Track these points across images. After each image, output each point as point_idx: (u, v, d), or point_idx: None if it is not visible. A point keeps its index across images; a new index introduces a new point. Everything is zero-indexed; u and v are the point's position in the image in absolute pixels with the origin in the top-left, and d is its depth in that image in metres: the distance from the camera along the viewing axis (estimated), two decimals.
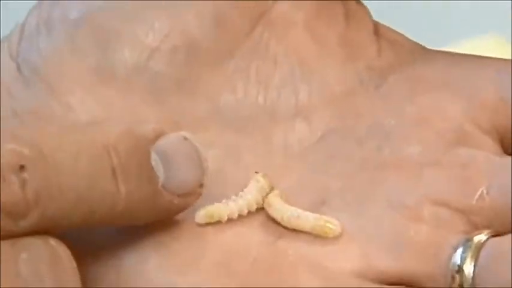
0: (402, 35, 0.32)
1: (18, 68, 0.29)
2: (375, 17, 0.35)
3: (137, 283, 0.27)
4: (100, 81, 0.28)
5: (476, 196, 0.28)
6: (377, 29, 0.31)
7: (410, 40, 0.32)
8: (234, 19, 0.30)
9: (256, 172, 0.26)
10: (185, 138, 0.27)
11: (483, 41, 0.84)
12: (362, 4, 0.32)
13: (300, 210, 0.26)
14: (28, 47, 0.29)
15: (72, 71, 0.28)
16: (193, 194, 0.26)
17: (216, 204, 0.25)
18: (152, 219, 0.27)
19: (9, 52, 0.29)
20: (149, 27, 0.28)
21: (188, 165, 0.26)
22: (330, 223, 0.25)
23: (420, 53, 0.31)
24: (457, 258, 0.27)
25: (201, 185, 0.26)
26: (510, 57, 0.66)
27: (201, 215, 0.25)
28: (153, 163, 0.26)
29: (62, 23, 0.28)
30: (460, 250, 0.27)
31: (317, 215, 0.26)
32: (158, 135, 0.26)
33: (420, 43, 0.54)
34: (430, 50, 0.32)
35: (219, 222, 0.26)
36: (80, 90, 0.28)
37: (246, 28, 0.29)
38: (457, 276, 0.27)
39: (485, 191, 0.28)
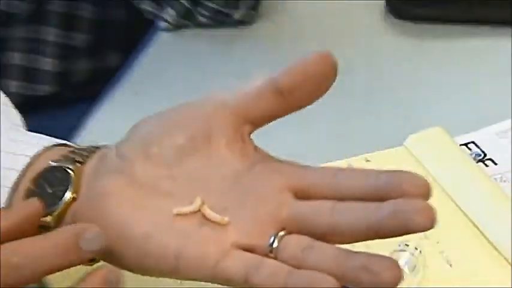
0: (268, 154, 0.62)
1: (117, 154, 0.61)
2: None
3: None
4: (145, 159, 0.60)
5: (284, 215, 0.57)
6: (255, 147, 0.62)
7: (270, 154, 0.62)
8: (200, 141, 0.60)
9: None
10: None
11: (428, 133, 0.89)
12: (250, 138, 0.62)
13: (212, 213, 0.56)
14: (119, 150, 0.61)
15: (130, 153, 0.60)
16: None
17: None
18: None
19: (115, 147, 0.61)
20: (165, 142, 0.60)
21: None
22: (223, 219, 0.55)
23: (272, 158, 0.62)
24: (271, 241, 0.56)
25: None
26: (457, 158, 0.78)
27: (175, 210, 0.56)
28: None
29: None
30: (272, 237, 0.56)
31: (218, 215, 0.56)
32: None
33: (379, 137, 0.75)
34: (276, 158, 0.62)
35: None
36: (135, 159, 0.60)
37: (205, 143, 0.60)
38: (271, 249, 0.56)
39: (288, 215, 0.57)
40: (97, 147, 0.68)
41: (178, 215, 0.58)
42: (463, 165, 0.83)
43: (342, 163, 0.83)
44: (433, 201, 0.64)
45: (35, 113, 1.04)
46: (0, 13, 1.14)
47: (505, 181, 0.82)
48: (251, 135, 0.63)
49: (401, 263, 0.71)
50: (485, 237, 0.76)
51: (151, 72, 1.02)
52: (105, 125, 0.95)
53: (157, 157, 0.62)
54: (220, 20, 1.05)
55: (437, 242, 0.76)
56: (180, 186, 0.61)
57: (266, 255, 0.58)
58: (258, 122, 0.63)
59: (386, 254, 0.65)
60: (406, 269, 0.73)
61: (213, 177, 0.62)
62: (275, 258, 0.58)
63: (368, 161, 0.85)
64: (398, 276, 0.55)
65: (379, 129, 0.93)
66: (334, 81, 0.62)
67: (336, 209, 0.58)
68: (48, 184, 0.64)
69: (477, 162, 0.85)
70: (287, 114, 0.63)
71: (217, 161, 0.62)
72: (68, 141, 0.74)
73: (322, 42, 1.04)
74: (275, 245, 0.58)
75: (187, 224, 0.59)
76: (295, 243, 0.58)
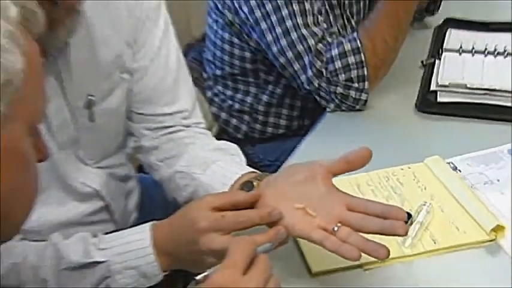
0: (336, 186, 1.07)
1: (274, 178, 1.16)
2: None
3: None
4: (285, 183, 1.12)
5: (341, 217, 1.07)
6: (332, 183, 1.08)
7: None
8: (309, 179, 1.12)
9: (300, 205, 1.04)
10: None
11: (434, 158, 1.37)
12: (331, 179, 1.09)
13: (310, 210, 1.07)
14: None
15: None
16: None
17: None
18: None
19: None
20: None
21: None
22: (313, 213, 1.07)
23: (338, 189, 1.08)
24: (333, 227, 1.05)
25: None
26: (446, 169, 1.34)
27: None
28: None
29: None
30: (335, 226, 1.06)
31: (312, 212, 1.07)
32: None
33: (397, 159, 1.40)
34: (340, 190, 1.07)
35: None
36: None
37: (311, 180, 1.10)
38: (334, 231, 1.05)
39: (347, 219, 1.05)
40: (267, 175, 1.11)
41: (296, 208, 1.04)
42: (452, 175, 1.32)
43: (388, 170, 1.36)
44: (438, 192, 1.26)
45: (285, 140, 1.85)
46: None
47: (464, 179, 1.31)
48: (332, 178, 1.07)
49: (424, 210, 1.23)
50: (458, 203, 1.23)
51: (324, 129, 1.60)
52: (306, 150, 1.49)
53: (290, 183, 1.08)
54: (348, 109, 1.67)
55: (438, 201, 1.27)
56: (297, 196, 1.05)
57: (331, 233, 1.01)
58: (336, 173, 1.08)
59: (416, 207, 1.21)
60: (426, 212, 1.22)
61: (312, 194, 1.06)
62: (335, 235, 1.01)
63: (402, 169, 1.36)
64: (387, 254, 0.97)
65: (404, 157, 1.41)
66: (370, 159, 1.06)
67: (364, 218, 1.01)
68: (246, 188, 1.12)
69: (453, 170, 1.33)
70: (349, 171, 1.07)
71: (315, 188, 1.06)
72: (289, 156, 1.40)
73: (380, 124, 1.59)
74: (335, 229, 1.02)
75: (299, 214, 1.04)
76: (345, 231, 1.01)
